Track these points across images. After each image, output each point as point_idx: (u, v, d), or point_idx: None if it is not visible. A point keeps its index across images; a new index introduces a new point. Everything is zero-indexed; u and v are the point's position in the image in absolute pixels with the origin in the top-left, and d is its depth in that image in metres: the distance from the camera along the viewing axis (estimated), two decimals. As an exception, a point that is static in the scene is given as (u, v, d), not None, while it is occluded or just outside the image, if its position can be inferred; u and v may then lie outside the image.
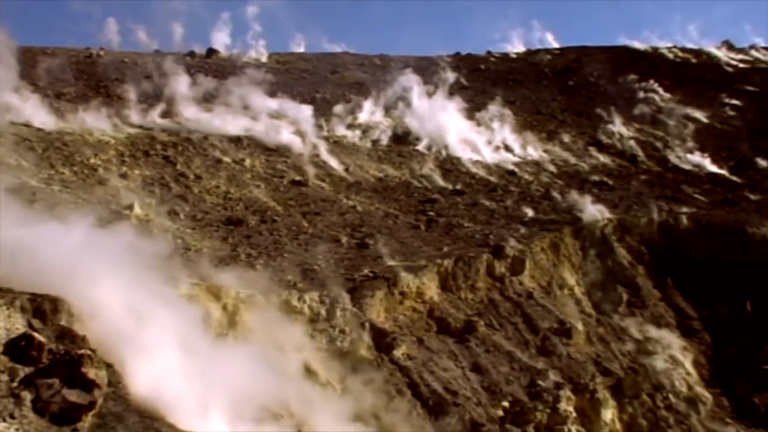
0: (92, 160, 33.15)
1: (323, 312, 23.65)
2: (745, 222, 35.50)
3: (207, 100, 45.00)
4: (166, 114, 41.43)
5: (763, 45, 78.47)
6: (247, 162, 38.18)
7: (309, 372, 21.43)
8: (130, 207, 28.44)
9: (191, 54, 59.78)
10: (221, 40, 63.37)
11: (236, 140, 40.34)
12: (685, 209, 36.94)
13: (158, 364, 13.73)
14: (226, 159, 37.80)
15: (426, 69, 56.97)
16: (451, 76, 58.45)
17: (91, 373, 11.94)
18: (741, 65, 71.76)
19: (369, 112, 49.63)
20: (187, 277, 20.62)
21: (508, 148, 48.77)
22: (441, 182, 41.62)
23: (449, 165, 44.59)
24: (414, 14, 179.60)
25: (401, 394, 22.65)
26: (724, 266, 33.90)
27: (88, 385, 11.83)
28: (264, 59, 62.41)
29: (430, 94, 51.23)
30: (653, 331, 30.80)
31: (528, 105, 58.31)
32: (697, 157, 48.88)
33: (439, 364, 24.65)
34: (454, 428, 22.38)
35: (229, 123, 42.47)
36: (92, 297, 13.92)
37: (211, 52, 60.82)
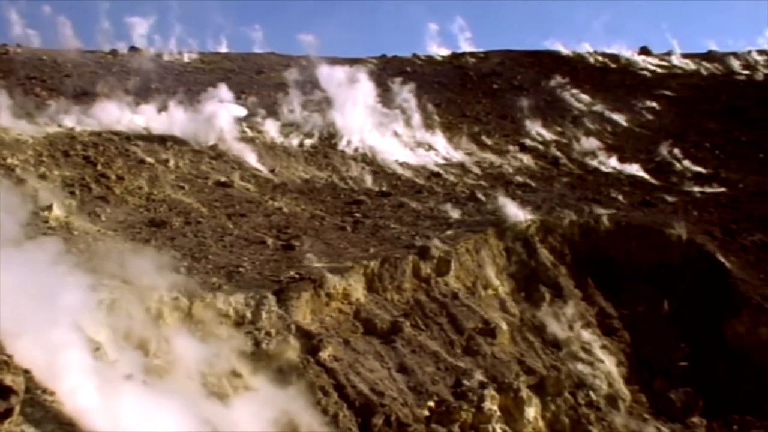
0: (9, 160, 32.22)
1: (249, 314, 23.43)
2: (663, 223, 36.31)
3: (129, 98, 44.20)
4: (85, 113, 40.54)
5: (680, 51, 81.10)
6: (171, 163, 37.57)
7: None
8: (49, 208, 27.72)
9: (113, 52, 58.69)
10: (139, 32, 62.42)
11: (159, 140, 39.72)
12: (605, 211, 37.61)
13: None
14: (149, 160, 37.14)
15: (353, 70, 56.96)
16: (377, 78, 58.69)
17: (8, 379, 11.59)
18: (659, 70, 74.00)
19: (294, 112, 49.43)
20: (109, 279, 20.24)
21: (433, 150, 49.20)
22: (367, 184, 41.67)
23: (375, 166, 44.69)
24: (320, 12, 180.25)
25: (328, 396, 22.60)
26: (643, 266, 34.64)
27: (5, 392, 11.49)
28: (187, 59, 61.66)
29: (356, 96, 51.22)
30: (575, 330, 31.31)
31: (453, 108, 59.00)
32: (616, 160, 50.06)
33: (366, 365, 24.62)
34: (380, 429, 22.43)
35: (151, 123, 41.82)
36: None
37: (134, 50, 59.82)
